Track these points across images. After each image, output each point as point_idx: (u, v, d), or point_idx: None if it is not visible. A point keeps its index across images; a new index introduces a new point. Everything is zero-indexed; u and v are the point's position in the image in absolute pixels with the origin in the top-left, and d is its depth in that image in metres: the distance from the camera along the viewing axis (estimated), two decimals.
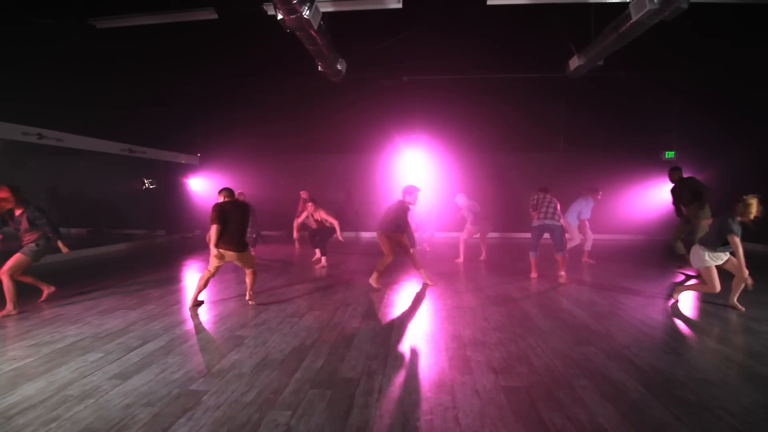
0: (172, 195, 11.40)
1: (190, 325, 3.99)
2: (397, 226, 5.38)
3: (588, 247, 7.30)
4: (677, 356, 3.25)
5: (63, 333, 3.71)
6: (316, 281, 5.85)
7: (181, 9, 6.79)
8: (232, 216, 4.41)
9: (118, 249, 9.16)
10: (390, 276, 6.09)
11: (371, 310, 4.42)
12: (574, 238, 7.10)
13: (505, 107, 10.60)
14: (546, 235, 5.88)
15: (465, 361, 3.09)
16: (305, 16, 5.63)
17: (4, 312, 4.21)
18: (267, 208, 10.22)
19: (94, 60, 8.22)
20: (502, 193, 10.57)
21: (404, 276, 6.18)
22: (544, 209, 5.85)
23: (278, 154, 11.52)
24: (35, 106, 7.04)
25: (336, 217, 6.71)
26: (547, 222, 5.77)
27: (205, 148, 12.01)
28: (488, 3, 6.43)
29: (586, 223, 7.27)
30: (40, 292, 4.76)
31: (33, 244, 4.43)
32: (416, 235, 7.93)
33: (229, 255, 4.44)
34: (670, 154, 10.48)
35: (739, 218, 4.14)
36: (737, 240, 4.10)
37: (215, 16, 6.81)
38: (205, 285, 4.52)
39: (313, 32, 6.10)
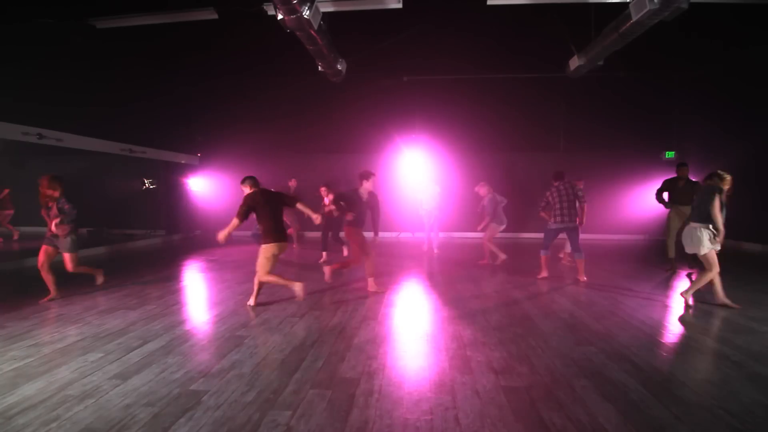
0: (172, 195, 11.41)
1: (190, 325, 3.99)
2: (349, 220, 5.07)
3: (568, 249, 6.94)
4: (677, 356, 3.25)
5: (63, 333, 3.71)
6: (316, 281, 5.85)
7: (181, 9, 6.79)
8: (270, 205, 4.35)
9: (118, 249, 9.16)
10: (390, 276, 6.09)
11: (371, 311, 4.42)
12: None
13: (505, 107, 10.60)
14: (561, 235, 5.72)
15: (465, 361, 3.09)
16: (305, 16, 5.63)
17: (100, 280, 5.34)
18: None
19: (94, 60, 8.22)
20: (502, 193, 10.54)
21: (404, 276, 6.17)
22: (558, 209, 5.60)
23: (278, 154, 11.52)
24: (35, 106, 7.04)
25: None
26: (566, 225, 5.60)
27: (205, 148, 12.01)
28: (488, 3, 6.43)
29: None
30: (48, 292, 4.82)
31: (69, 238, 4.83)
32: (423, 236, 7.84)
33: (283, 246, 4.36)
34: (670, 154, 10.48)
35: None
36: (719, 201, 4.20)
37: (215, 16, 6.81)
38: (276, 281, 4.43)
39: (313, 32, 6.10)
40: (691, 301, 4.57)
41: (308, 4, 5.59)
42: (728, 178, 4.36)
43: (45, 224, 4.88)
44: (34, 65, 7.21)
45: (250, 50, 8.72)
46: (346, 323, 3.99)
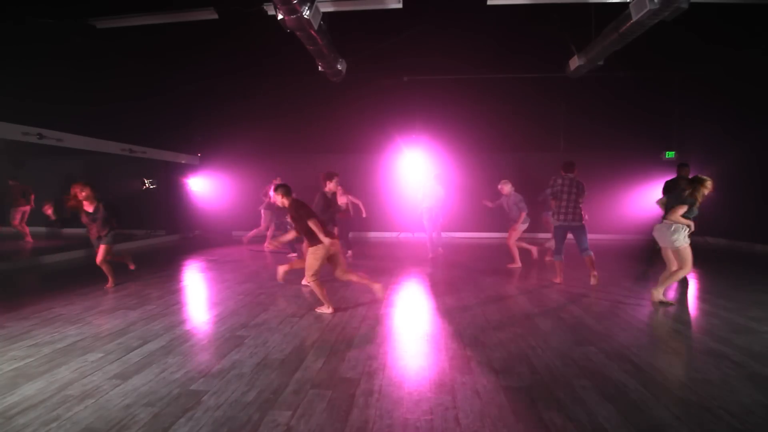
0: (172, 195, 11.40)
1: (190, 325, 3.99)
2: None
3: (551, 245, 6.65)
4: (677, 356, 3.25)
5: (63, 333, 3.71)
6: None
7: (181, 9, 6.79)
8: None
9: (118, 249, 9.12)
10: (390, 277, 6.09)
11: (371, 311, 4.42)
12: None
13: (505, 107, 10.60)
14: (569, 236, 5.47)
15: (465, 361, 3.09)
16: (305, 16, 5.63)
17: (132, 266, 6.11)
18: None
19: (94, 60, 8.22)
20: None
21: (404, 277, 6.17)
22: (564, 207, 5.33)
23: (278, 153, 11.51)
24: (35, 106, 7.04)
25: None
26: (570, 222, 5.36)
27: (205, 148, 12.01)
28: (488, 3, 6.43)
29: (550, 219, 6.98)
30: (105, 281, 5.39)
31: (111, 234, 5.34)
32: (427, 236, 7.79)
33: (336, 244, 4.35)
34: (670, 154, 10.48)
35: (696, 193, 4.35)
36: (685, 210, 4.30)
37: (215, 16, 6.81)
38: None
39: (313, 32, 6.10)
40: (668, 298, 4.64)
41: (308, 4, 5.59)
42: (709, 182, 4.45)
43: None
44: (35, 65, 7.21)
45: (250, 50, 8.71)
46: (346, 323, 3.99)
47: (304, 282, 5.50)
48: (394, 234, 11.30)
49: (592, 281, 5.41)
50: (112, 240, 5.38)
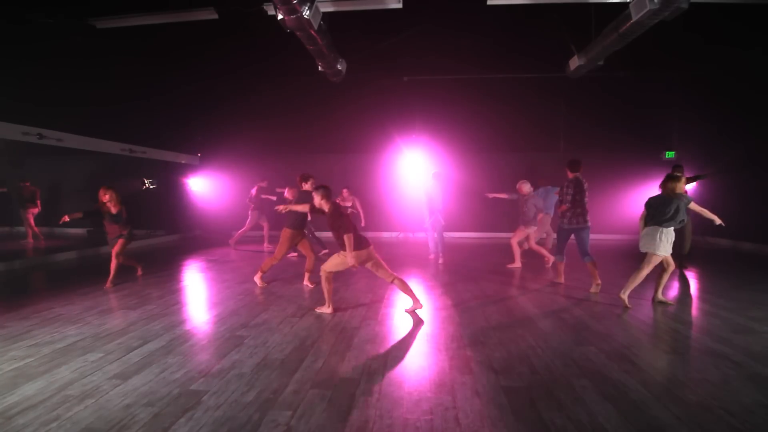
0: (172, 195, 11.40)
1: (190, 325, 3.99)
2: (292, 221, 5.26)
3: (549, 245, 6.67)
4: (677, 356, 3.25)
5: (63, 333, 3.71)
6: (316, 281, 5.84)
7: (181, 9, 6.79)
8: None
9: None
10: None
11: (371, 310, 4.42)
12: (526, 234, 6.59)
13: (505, 107, 10.59)
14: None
15: (465, 361, 3.09)
16: (305, 16, 5.64)
17: (140, 272, 6.30)
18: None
19: (94, 60, 8.22)
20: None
21: (404, 277, 6.17)
22: (571, 211, 5.21)
23: (278, 153, 11.52)
24: (35, 106, 7.04)
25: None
26: (576, 225, 5.23)
27: (205, 148, 12.01)
28: (488, 3, 6.43)
29: (548, 218, 6.81)
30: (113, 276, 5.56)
31: (128, 233, 5.76)
32: (429, 237, 7.72)
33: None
34: (670, 154, 10.48)
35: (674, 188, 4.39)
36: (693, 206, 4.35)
37: (215, 16, 6.82)
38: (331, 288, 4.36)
39: (313, 32, 6.11)
40: (664, 298, 4.66)
41: (308, 4, 5.59)
42: (677, 173, 4.63)
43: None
44: (35, 65, 7.21)
45: (250, 50, 8.72)
46: (346, 323, 3.99)
47: (305, 282, 5.55)
48: (393, 234, 11.29)
49: (594, 289, 5.19)
50: (131, 236, 5.83)
